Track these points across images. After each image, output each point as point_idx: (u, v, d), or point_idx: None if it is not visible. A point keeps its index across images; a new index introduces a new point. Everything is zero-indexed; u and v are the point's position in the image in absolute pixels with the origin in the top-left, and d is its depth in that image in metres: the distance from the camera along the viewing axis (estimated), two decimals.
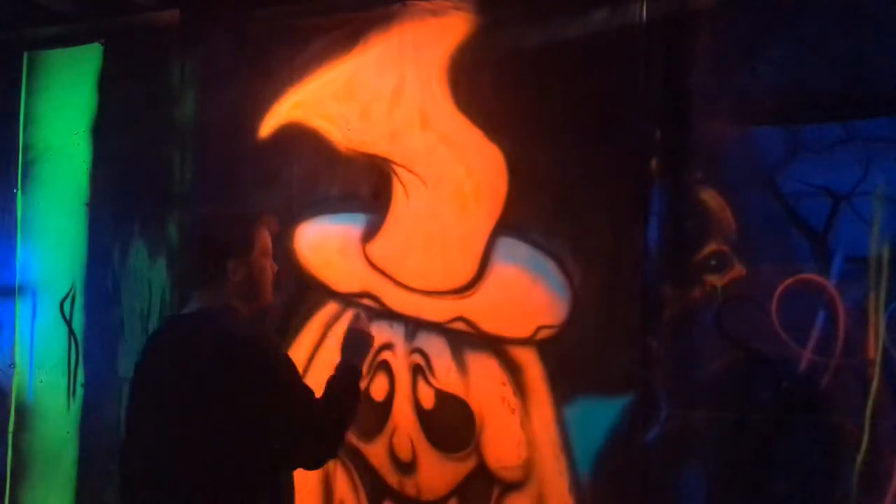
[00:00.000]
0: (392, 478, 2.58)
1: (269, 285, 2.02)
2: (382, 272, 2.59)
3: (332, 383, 2.01)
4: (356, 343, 2.18)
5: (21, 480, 3.17)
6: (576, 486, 2.36)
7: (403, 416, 2.57)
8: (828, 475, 2.13)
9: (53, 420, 3.12)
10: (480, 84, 2.49)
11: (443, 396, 2.52)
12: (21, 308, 3.18)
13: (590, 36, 2.37)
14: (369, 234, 2.63)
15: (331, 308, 2.69)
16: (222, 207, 2.10)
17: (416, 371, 2.56)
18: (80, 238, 3.10)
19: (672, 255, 2.28)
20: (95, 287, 3.08)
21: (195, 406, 1.79)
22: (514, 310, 2.43)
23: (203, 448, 1.78)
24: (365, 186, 2.64)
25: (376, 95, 2.62)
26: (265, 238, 2.02)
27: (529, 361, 2.42)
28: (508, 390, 2.44)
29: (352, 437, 2.63)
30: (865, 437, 2.08)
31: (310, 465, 1.93)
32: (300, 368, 2.63)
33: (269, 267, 2.02)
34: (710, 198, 2.25)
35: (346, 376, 2.05)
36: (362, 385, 2.21)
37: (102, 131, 3.09)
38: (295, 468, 1.93)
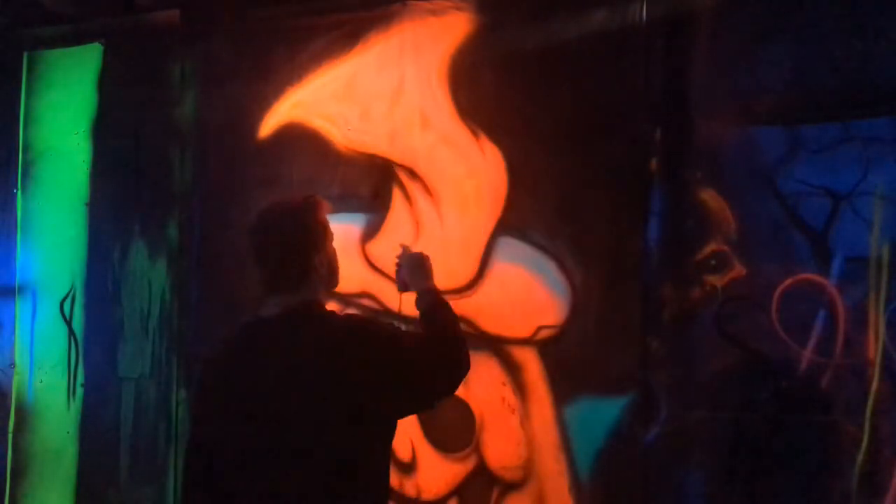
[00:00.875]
0: (392, 478, 2.58)
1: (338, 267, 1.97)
2: (382, 272, 2.59)
3: (426, 316, 2.00)
4: (416, 268, 2.14)
5: (21, 480, 3.17)
6: (576, 486, 2.36)
7: None
8: (828, 475, 2.13)
9: (53, 420, 3.12)
10: (481, 84, 2.49)
11: None
12: (21, 308, 3.18)
13: (590, 36, 2.37)
14: (369, 234, 2.63)
15: (331, 308, 2.68)
16: (279, 199, 1.99)
17: None
18: (80, 238, 3.10)
19: (672, 255, 2.28)
20: (95, 287, 3.08)
21: (329, 403, 1.71)
22: (514, 310, 2.43)
23: (342, 440, 1.72)
24: (365, 186, 2.64)
25: (376, 95, 2.62)
26: (328, 220, 1.95)
27: (529, 361, 2.42)
28: (508, 390, 2.44)
29: None
30: (865, 437, 2.08)
31: (456, 385, 1.93)
32: None
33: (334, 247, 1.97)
34: (710, 198, 2.25)
35: (431, 302, 2.02)
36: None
37: (102, 131, 3.09)
38: (450, 393, 1.94)
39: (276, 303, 1.82)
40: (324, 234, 1.90)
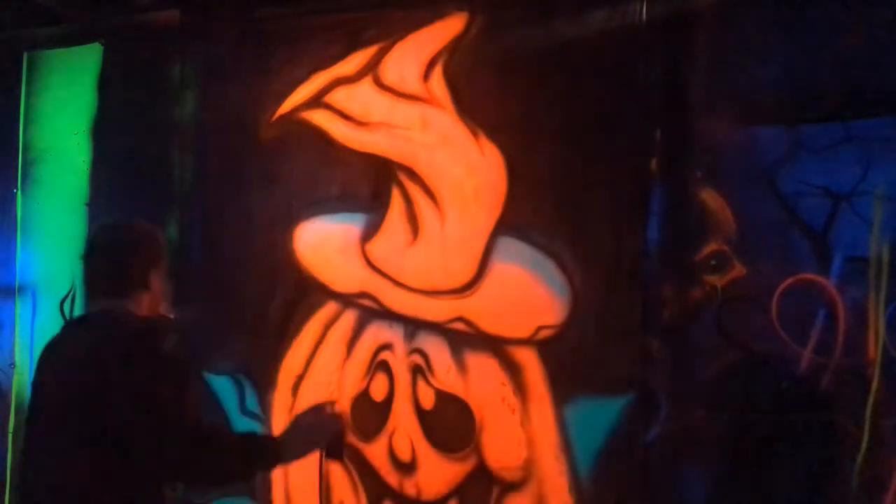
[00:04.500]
0: (392, 478, 2.58)
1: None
2: (382, 272, 2.59)
3: (263, 445, 2.00)
4: (308, 427, 2.13)
5: None
6: (576, 486, 2.36)
7: (403, 417, 2.57)
8: (828, 475, 2.13)
9: None
10: (480, 84, 2.49)
11: (443, 397, 2.52)
12: (21, 308, 3.18)
13: (590, 36, 2.36)
14: (369, 234, 2.63)
15: (330, 308, 2.69)
16: (124, 218, 2.09)
17: (416, 371, 2.56)
18: (80, 238, 3.10)
19: (672, 255, 2.28)
20: None
21: (88, 408, 1.73)
22: (514, 310, 2.43)
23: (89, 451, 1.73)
24: (365, 186, 2.64)
25: (376, 95, 2.62)
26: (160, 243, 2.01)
27: (529, 361, 2.42)
28: (508, 390, 2.44)
29: (352, 438, 2.63)
30: (865, 437, 2.08)
31: (175, 469, 1.84)
32: (299, 368, 2.65)
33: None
34: (710, 198, 2.25)
35: (276, 457, 1.96)
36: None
37: (102, 131, 3.09)
38: (168, 468, 1.83)
39: (101, 304, 1.90)
40: (164, 256, 1.97)
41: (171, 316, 2.28)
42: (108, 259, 1.93)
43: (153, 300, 1.93)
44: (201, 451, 1.77)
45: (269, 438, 2.09)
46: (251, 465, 1.96)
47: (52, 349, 1.94)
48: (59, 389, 1.81)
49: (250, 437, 2.04)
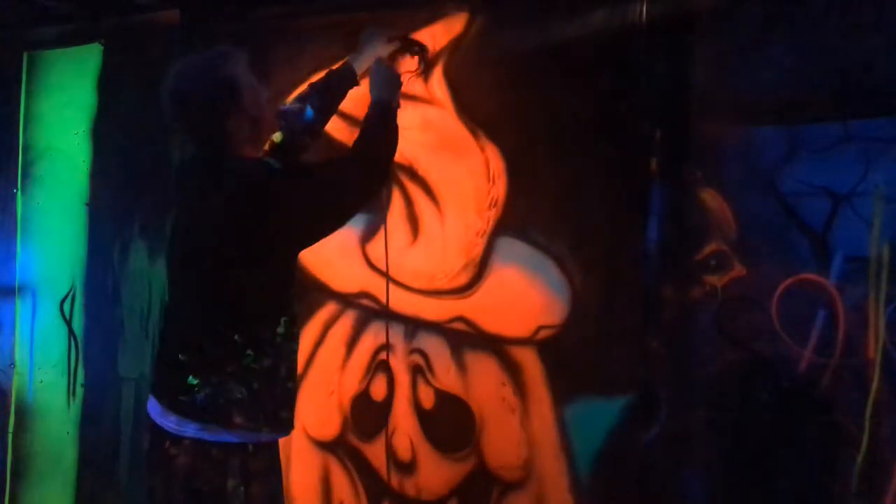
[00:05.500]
0: (392, 478, 2.58)
1: (266, 123, 2.01)
2: (382, 272, 2.59)
3: (366, 119, 2.06)
4: (384, 80, 2.18)
5: (21, 480, 3.17)
6: (576, 486, 2.36)
7: (403, 417, 2.57)
8: (828, 475, 2.13)
9: (53, 420, 3.12)
10: (480, 84, 2.49)
11: (443, 396, 2.52)
12: (21, 308, 3.19)
13: (590, 36, 2.36)
14: (369, 234, 2.63)
15: (330, 308, 2.69)
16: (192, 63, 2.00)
17: (416, 371, 2.56)
18: (80, 238, 3.10)
19: (672, 255, 2.28)
20: (95, 287, 3.08)
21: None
22: (514, 310, 2.43)
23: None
24: None
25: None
26: (249, 77, 1.94)
27: (529, 361, 2.42)
28: (508, 390, 2.44)
29: (352, 438, 2.63)
30: (865, 437, 2.08)
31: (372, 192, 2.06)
32: (299, 368, 2.64)
33: (264, 101, 1.97)
34: (710, 198, 2.25)
35: (379, 112, 2.08)
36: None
37: (102, 131, 3.09)
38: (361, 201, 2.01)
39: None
40: (238, 93, 1.90)
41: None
42: (174, 111, 1.97)
43: (237, 141, 1.91)
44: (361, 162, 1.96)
45: (373, 106, 2.12)
46: (391, 131, 2.07)
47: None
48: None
49: (365, 118, 2.09)
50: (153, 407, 1.91)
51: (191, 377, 1.83)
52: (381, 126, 2.06)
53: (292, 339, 1.93)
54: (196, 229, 1.89)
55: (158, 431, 1.87)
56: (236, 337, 1.83)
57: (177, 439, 1.84)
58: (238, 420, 1.82)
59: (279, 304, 1.91)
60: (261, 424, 1.86)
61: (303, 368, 2.66)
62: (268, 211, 1.80)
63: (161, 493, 1.88)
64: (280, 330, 1.88)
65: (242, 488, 1.85)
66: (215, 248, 1.82)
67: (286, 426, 1.93)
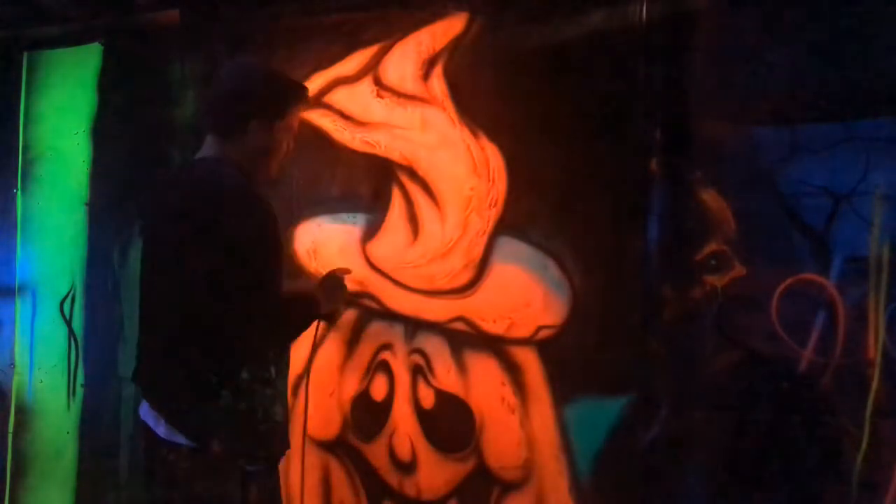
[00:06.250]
0: (392, 478, 2.58)
1: (279, 162, 2.04)
2: (382, 272, 2.59)
3: (305, 305, 2.07)
4: (332, 290, 2.24)
5: (21, 480, 3.17)
6: (576, 486, 2.36)
7: (403, 417, 2.57)
8: (828, 475, 2.13)
9: (53, 420, 3.12)
10: (480, 84, 2.49)
11: (443, 396, 2.52)
12: (21, 308, 3.18)
13: (590, 36, 2.36)
14: (369, 234, 2.63)
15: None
16: (263, 63, 2.10)
17: (416, 371, 2.56)
18: (80, 238, 3.10)
19: (672, 255, 2.28)
20: (95, 287, 3.08)
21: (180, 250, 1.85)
22: (514, 310, 2.43)
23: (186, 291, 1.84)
24: (365, 186, 2.64)
25: (376, 95, 2.62)
26: (296, 114, 2.02)
27: (529, 361, 2.42)
28: (508, 390, 2.44)
29: (352, 438, 2.63)
30: (865, 437, 2.08)
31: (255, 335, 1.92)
32: (299, 368, 2.64)
33: (287, 145, 2.03)
34: (710, 198, 2.25)
35: (316, 314, 2.12)
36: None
37: (102, 131, 3.09)
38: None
39: (207, 146, 1.98)
40: (280, 112, 1.96)
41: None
42: (216, 93, 1.99)
43: (252, 149, 1.94)
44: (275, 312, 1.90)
45: (308, 296, 2.13)
46: (305, 321, 2.07)
47: (159, 189, 2.05)
48: (162, 232, 1.93)
49: (297, 296, 2.12)
50: (146, 413, 1.92)
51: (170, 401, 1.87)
52: (308, 319, 2.09)
53: (266, 383, 1.92)
54: (167, 260, 1.90)
55: (153, 438, 1.88)
56: (213, 378, 1.85)
57: (174, 445, 1.85)
58: (216, 449, 1.84)
59: (250, 349, 1.90)
60: (238, 456, 1.88)
61: (303, 368, 2.66)
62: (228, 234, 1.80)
63: (161, 497, 1.88)
64: (249, 375, 1.88)
65: (241, 491, 1.86)
66: (187, 278, 1.84)
67: (263, 461, 1.95)
